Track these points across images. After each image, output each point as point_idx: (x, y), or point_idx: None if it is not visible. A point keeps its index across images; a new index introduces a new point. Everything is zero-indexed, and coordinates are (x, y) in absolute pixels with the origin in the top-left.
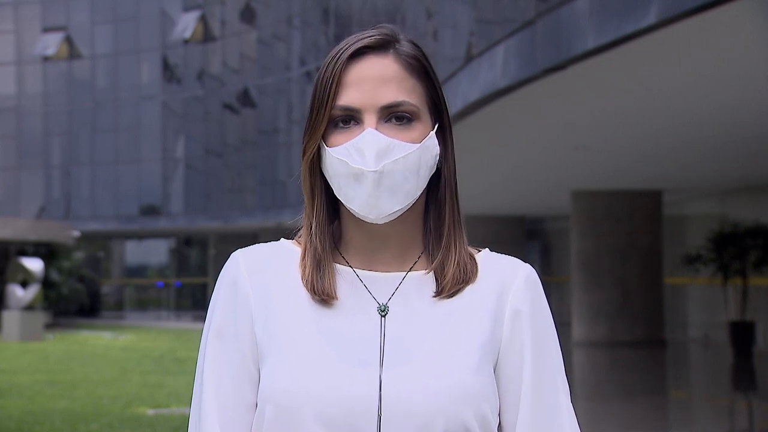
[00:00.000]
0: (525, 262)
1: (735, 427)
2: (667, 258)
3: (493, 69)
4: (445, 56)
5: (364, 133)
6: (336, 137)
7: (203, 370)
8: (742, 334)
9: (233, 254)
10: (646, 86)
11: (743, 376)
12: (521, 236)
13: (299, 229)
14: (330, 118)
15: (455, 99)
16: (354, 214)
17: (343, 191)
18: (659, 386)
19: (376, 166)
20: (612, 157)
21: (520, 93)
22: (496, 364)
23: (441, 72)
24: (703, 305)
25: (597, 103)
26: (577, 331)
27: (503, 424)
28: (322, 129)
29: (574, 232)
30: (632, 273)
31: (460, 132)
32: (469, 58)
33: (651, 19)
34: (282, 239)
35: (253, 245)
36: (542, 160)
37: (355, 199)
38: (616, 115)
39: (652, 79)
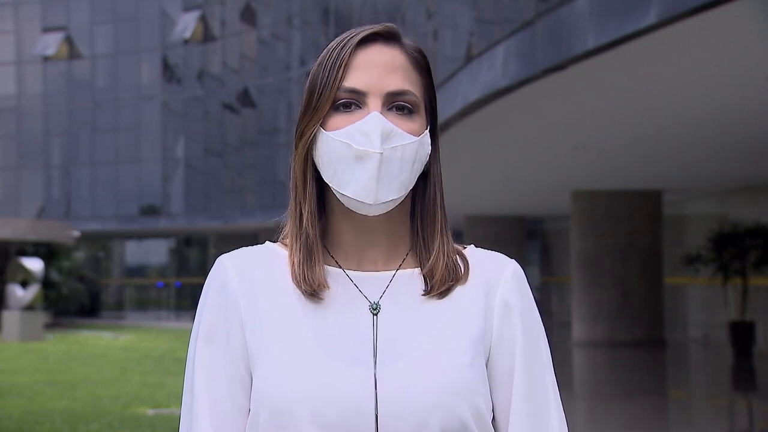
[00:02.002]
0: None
1: (735, 427)
2: (667, 258)
3: (493, 69)
4: (445, 56)
5: (369, 116)
6: (335, 121)
7: (194, 375)
8: (742, 334)
9: (219, 259)
10: (646, 86)
11: (743, 376)
12: (521, 236)
13: (281, 231)
14: (333, 100)
15: (455, 99)
16: (345, 202)
17: (337, 177)
18: (659, 386)
19: (381, 149)
20: (612, 157)
21: (520, 93)
22: (488, 359)
23: (441, 72)
24: (703, 305)
25: (597, 103)
26: (577, 331)
27: (495, 418)
28: (326, 110)
29: (574, 232)
30: (632, 273)
31: (460, 132)
32: (469, 58)
33: (651, 19)
34: (267, 242)
35: (238, 249)
36: (542, 160)
37: (351, 183)
38: (616, 115)
39: (652, 79)
